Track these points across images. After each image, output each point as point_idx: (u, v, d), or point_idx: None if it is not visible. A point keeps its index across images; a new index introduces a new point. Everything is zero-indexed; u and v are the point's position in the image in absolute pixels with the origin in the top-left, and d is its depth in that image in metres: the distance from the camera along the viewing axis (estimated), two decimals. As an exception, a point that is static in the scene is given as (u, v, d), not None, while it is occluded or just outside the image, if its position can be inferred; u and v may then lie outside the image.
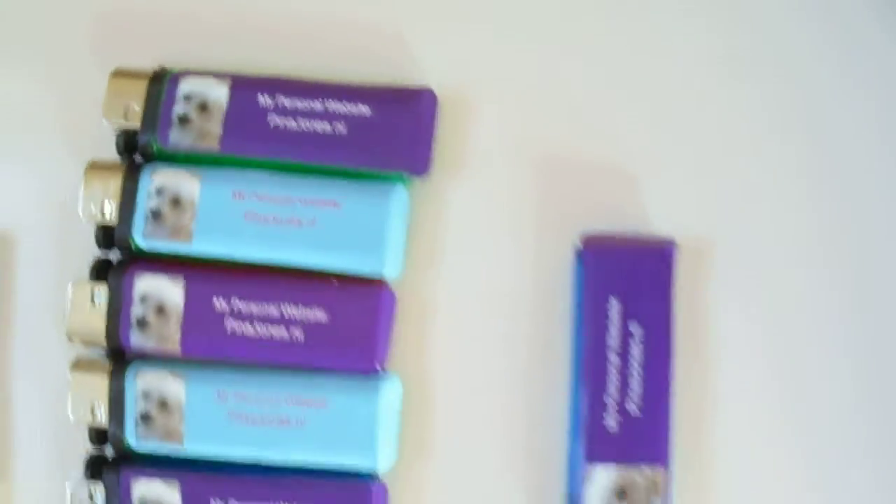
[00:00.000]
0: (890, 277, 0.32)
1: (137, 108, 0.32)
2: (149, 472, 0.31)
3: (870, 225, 0.33)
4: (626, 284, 0.30)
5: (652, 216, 0.32)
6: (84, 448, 0.32)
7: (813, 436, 0.32)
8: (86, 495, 0.31)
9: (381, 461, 0.31)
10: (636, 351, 0.30)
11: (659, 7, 0.33)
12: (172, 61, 0.33)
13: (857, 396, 0.32)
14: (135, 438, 0.31)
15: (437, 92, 0.32)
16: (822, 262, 0.33)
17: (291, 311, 0.31)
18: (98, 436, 0.32)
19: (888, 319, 0.32)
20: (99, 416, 0.31)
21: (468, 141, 0.33)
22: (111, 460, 0.32)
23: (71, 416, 0.31)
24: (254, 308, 0.31)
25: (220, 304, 0.31)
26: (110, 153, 0.32)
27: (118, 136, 0.32)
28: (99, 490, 0.31)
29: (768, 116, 0.33)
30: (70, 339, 0.32)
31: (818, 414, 0.32)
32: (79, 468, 0.32)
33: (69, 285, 0.32)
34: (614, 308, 0.30)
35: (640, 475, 0.30)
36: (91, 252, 0.32)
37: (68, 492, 0.31)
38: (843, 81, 0.33)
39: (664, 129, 0.33)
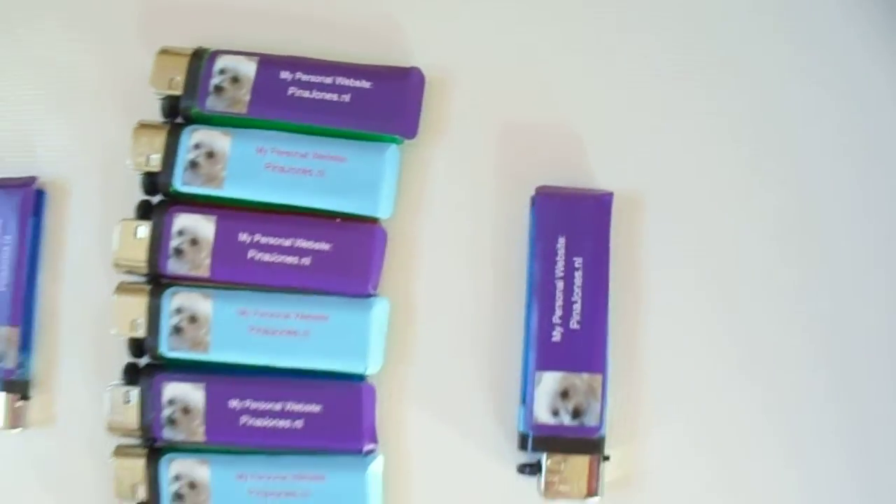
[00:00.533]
0: (781, 216, 0.36)
1: (180, 79, 0.35)
2: (178, 377, 0.34)
3: (784, 176, 0.36)
4: (571, 226, 0.34)
5: (595, 172, 0.36)
6: (119, 364, 0.35)
7: (729, 345, 0.35)
8: (121, 398, 0.34)
9: (371, 365, 0.34)
10: (578, 280, 0.34)
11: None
12: (208, 42, 0.36)
13: (774, 311, 0.36)
14: (167, 348, 0.34)
15: (423, 71, 0.36)
16: (737, 208, 0.36)
17: (302, 243, 0.34)
18: (136, 347, 0.35)
19: (793, 247, 0.36)
20: (138, 329, 0.34)
21: (448, 111, 0.37)
22: (145, 367, 0.35)
23: (114, 331, 0.34)
24: (272, 240, 0.34)
25: (244, 237, 0.34)
26: (154, 116, 0.36)
27: (163, 102, 0.36)
28: (134, 393, 0.34)
29: (694, 87, 0.37)
30: (116, 267, 0.35)
31: (735, 328, 0.35)
32: (113, 381, 0.34)
33: (118, 222, 0.35)
34: (561, 245, 0.34)
35: (581, 380, 0.33)
36: (133, 199, 0.35)
37: (106, 395, 0.34)
38: (765, 44, 0.37)
39: (605, 103, 0.36)
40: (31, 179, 0.37)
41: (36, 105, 0.38)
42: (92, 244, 0.37)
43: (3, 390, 0.36)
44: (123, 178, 0.36)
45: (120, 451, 0.35)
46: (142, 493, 0.34)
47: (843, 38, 0.37)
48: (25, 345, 0.37)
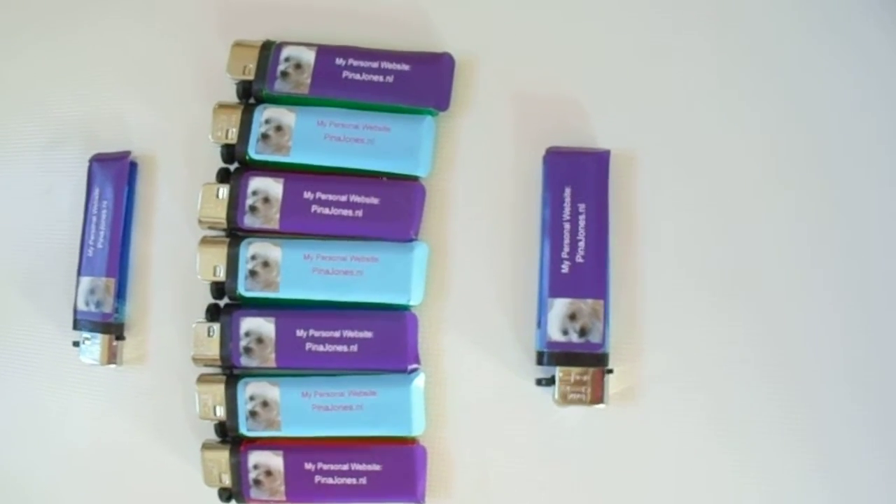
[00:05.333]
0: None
1: (252, 66, 0.38)
2: (253, 312, 0.37)
3: (768, 136, 0.37)
4: (576, 178, 0.36)
5: (595, 135, 0.38)
6: (200, 310, 0.38)
7: (717, 274, 0.37)
8: (205, 332, 0.37)
9: (414, 298, 0.37)
10: (582, 222, 0.36)
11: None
12: (269, 36, 0.39)
13: (761, 239, 0.37)
14: (244, 289, 0.37)
15: (453, 55, 0.38)
16: (719, 159, 0.37)
17: (355, 198, 0.37)
18: (217, 290, 0.38)
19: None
20: (219, 274, 0.37)
21: (474, 87, 0.39)
22: (225, 306, 0.38)
23: (199, 276, 0.37)
24: (330, 197, 0.37)
25: (308, 194, 0.37)
26: (227, 98, 0.39)
27: (238, 86, 0.39)
28: (215, 328, 0.37)
29: (685, 61, 0.38)
30: (200, 223, 0.38)
31: (722, 259, 0.37)
32: (198, 319, 0.37)
33: (201, 186, 0.38)
34: (568, 194, 0.36)
35: (586, 305, 0.36)
36: (209, 169, 0.38)
37: (192, 330, 0.37)
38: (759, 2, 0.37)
39: (603, 79, 0.38)
40: (125, 154, 0.40)
41: (129, 92, 0.41)
42: (177, 207, 0.40)
43: (101, 332, 0.39)
44: (202, 152, 0.39)
45: (203, 379, 0.38)
46: (221, 412, 0.37)
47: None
48: (121, 293, 0.40)
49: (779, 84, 0.38)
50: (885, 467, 0.36)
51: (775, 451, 0.36)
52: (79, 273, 0.40)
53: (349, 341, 0.37)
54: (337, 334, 0.37)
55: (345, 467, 0.37)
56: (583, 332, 0.36)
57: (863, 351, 0.36)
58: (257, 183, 0.38)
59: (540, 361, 0.36)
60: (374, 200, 0.37)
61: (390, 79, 0.38)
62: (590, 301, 0.36)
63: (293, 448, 0.37)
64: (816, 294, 0.37)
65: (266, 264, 0.37)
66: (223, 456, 0.37)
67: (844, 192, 0.37)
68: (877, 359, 0.36)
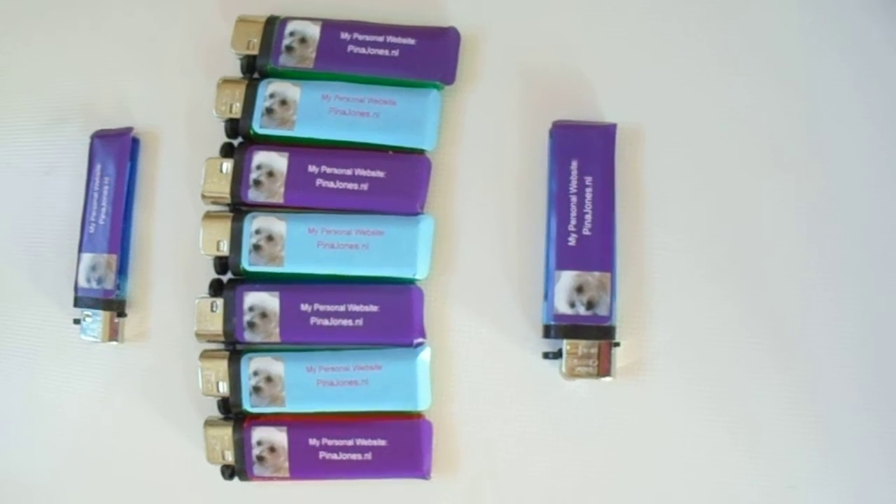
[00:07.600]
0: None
1: (256, 41, 0.38)
2: (257, 287, 0.37)
3: (773, 113, 0.37)
4: (582, 152, 0.37)
5: (602, 108, 0.38)
6: (202, 287, 0.38)
7: (720, 247, 0.37)
8: (208, 308, 0.37)
9: (420, 271, 0.37)
10: (589, 195, 0.36)
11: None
12: (274, 10, 0.39)
13: (761, 216, 0.37)
14: (248, 263, 0.37)
15: (459, 29, 0.39)
16: (721, 133, 0.37)
17: (360, 171, 0.37)
18: (220, 264, 0.38)
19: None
20: (222, 249, 0.37)
21: (480, 61, 0.39)
22: (228, 282, 0.38)
23: (202, 251, 0.37)
24: (335, 170, 0.37)
25: (312, 168, 0.37)
26: (228, 74, 0.39)
27: (242, 61, 0.39)
28: (218, 303, 0.37)
29: (691, 33, 0.38)
30: (203, 198, 0.38)
31: (726, 233, 0.37)
32: (201, 295, 0.37)
33: (205, 160, 0.38)
34: (574, 167, 0.37)
35: (593, 277, 0.36)
36: (211, 145, 0.38)
37: (196, 306, 0.37)
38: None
39: (610, 52, 0.38)
40: (127, 130, 0.40)
41: (131, 69, 0.41)
42: (179, 183, 0.40)
43: (102, 308, 0.39)
44: (204, 127, 0.39)
45: (205, 355, 0.38)
46: (224, 388, 0.37)
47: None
48: (122, 269, 0.40)
49: (785, 61, 0.38)
50: (884, 438, 0.36)
51: (779, 423, 0.36)
52: (80, 250, 0.40)
53: (354, 315, 0.37)
54: (342, 308, 0.37)
55: (350, 443, 0.37)
56: (590, 305, 0.36)
57: (861, 326, 0.36)
58: (261, 157, 0.38)
59: (547, 334, 0.37)
60: (380, 174, 0.37)
61: (396, 53, 0.38)
62: (597, 274, 0.36)
63: (297, 424, 0.37)
64: (819, 269, 0.37)
65: (270, 238, 0.37)
66: (226, 433, 0.37)
67: (849, 169, 0.37)
68: (875, 334, 0.36)
